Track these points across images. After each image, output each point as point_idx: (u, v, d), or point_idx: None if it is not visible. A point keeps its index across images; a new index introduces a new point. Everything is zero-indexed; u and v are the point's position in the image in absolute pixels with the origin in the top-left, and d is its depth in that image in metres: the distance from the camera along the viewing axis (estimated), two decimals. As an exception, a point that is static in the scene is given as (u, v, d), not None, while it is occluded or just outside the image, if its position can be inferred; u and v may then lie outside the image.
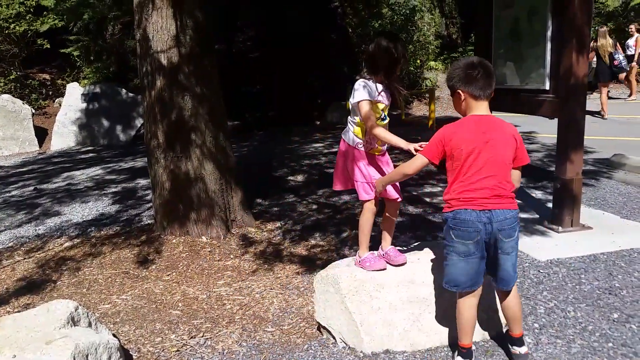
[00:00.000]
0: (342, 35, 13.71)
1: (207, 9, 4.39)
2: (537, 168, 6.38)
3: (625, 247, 3.73)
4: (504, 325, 2.63)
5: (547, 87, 4.28)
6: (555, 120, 4.17)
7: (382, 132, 2.59)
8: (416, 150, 2.38)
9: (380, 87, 2.66)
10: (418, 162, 2.35)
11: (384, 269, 2.70)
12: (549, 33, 4.22)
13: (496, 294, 2.53)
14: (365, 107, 2.59)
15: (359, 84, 2.63)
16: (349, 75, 13.54)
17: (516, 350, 2.42)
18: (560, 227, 4.08)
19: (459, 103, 2.35)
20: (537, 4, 4.37)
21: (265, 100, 12.25)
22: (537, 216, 4.47)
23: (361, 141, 2.71)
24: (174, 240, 4.20)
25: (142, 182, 6.51)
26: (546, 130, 7.96)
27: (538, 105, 4.36)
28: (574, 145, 4.01)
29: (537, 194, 5.21)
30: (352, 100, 2.64)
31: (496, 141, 2.22)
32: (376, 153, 2.76)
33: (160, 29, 4.09)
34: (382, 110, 2.71)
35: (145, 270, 3.81)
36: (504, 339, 2.54)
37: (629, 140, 7.88)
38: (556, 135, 4.17)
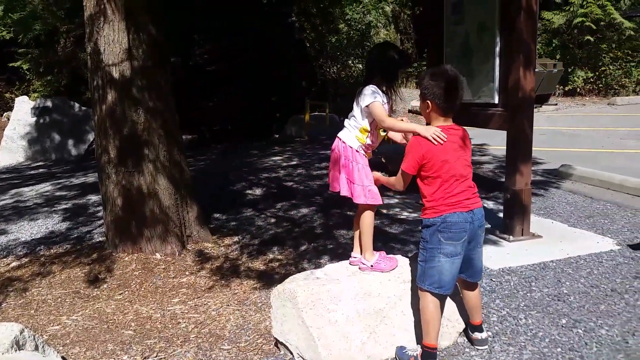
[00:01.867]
0: (300, 50, 13.81)
1: (162, 21, 4.34)
2: (488, 179, 6.57)
3: (572, 254, 3.87)
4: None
5: (496, 101, 4.43)
6: (505, 133, 4.32)
7: (395, 122, 2.68)
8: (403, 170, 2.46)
9: (385, 97, 2.74)
10: (407, 179, 2.48)
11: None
12: (497, 49, 4.38)
13: (461, 290, 2.66)
14: (379, 108, 2.66)
15: (369, 88, 2.70)
16: (307, 89, 13.65)
17: (477, 335, 2.61)
18: (511, 236, 4.20)
19: (425, 110, 2.45)
20: (486, 20, 4.53)
21: (223, 114, 12.16)
22: (489, 226, 4.58)
23: (362, 145, 2.77)
24: (127, 258, 4.09)
25: (94, 198, 6.32)
26: (497, 142, 8.20)
27: (488, 118, 4.50)
28: (522, 157, 4.15)
29: (489, 204, 5.35)
30: (362, 103, 2.70)
31: (462, 147, 2.40)
32: (368, 157, 2.84)
33: (112, 42, 4.01)
34: None
35: (96, 289, 3.68)
36: (457, 347, 2.60)
37: (576, 151, 8.23)
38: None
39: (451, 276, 2.40)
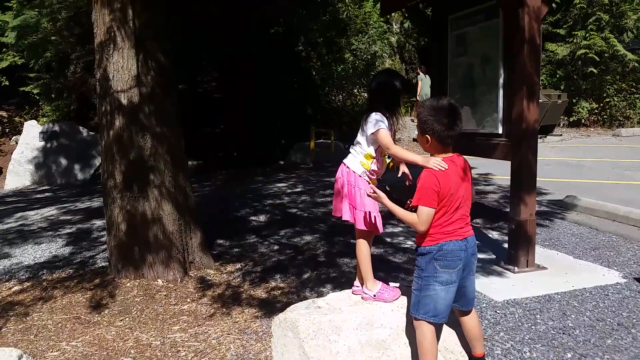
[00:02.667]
0: (305, 78, 13.99)
1: (170, 49, 4.42)
2: (493, 209, 6.55)
3: (578, 287, 3.83)
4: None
5: (500, 131, 4.46)
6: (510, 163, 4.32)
7: (400, 150, 2.73)
8: (412, 205, 2.37)
9: (390, 123, 2.78)
10: (431, 217, 2.32)
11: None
12: (501, 80, 4.43)
13: (460, 320, 2.60)
14: (386, 135, 2.70)
15: (375, 116, 2.73)
16: (313, 116, 13.77)
17: None
18: (516, 268, 4.16)
19: (425, 144, 2.45)
20: (489, 52, 4.60)
21: (229, 140, 12.26)
22: (494, 257, 4.55)
23: (366, 171, 2.80)
24: (128, 284, 4.07)
25: (98, 222, 6.33)
26: (502, 172, 8.21)
27: (492, 148, 4.52)
28: (527, 187, 4.15)
29: (494, 234, 5.32)
30: (368, 130, 2.73)
31: (464, 177, 2.40)
32: (373, 184, 2.84)
33: (121, 68, 4.08)
34: None
35: (97, 315, 3.66)
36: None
37: (581, 182, 8.21)
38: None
39: (446, 305, 2.38)
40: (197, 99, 12.10)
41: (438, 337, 2.47)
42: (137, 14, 4.06)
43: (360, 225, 2.77)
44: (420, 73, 15.96)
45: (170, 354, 3.07)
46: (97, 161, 10.67)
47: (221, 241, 5.33)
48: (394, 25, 19.28)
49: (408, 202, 2.45)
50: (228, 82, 12.24)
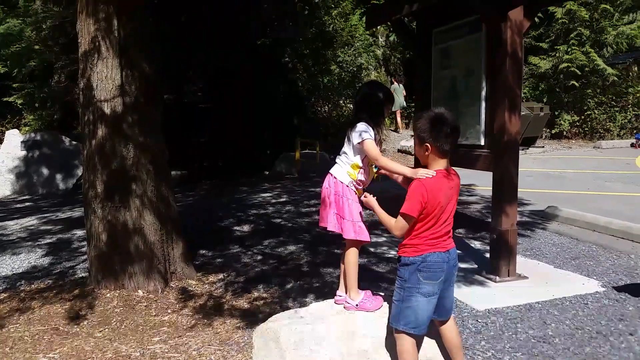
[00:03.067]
0: (291, 89, 14.03)
1: (155, 59, 4.42)
2: (475, 219, 6.60)
3: (558, 295, 3.87)
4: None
5: (483, 142, 4.51)
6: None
7: (388, 162, 2.74)
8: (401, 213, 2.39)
9: (374, 133, 2.80)
10: (408, 223, 2.37)
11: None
12: (483, 93, 4.49)
13: (440, 331, 2.60)
14: (373, 146, 2.72)
15: (361, 126, 2.75)
16: (298, 127, 13.80)
17: None
18: (497, 277, 4.20)
19: (424, 154, 2.45)
20: (473, 65, 4.67)
21: (214, 150, 12.22)
22: (476, 266, 4.58)
23: (353, 181, 2.81)
24: (108, 295, 4.02)
25: (79, 232, 6.25)
26: (485, 183, 8.29)
27: (475, 159, 4.57)
28: (508, 198, 4.19)
29: (476, 244, 5.36)
30: (355, 140, 2.75)
31: (454, 191, 2.43)
32: (359, 194, 2.86)
33: (105, 78, 4.06)
34: None
35: (76, 326, 3.60)
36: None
37: (562, 193, 8.32)
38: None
39: (427, 316, 2.39)
40: (182, 109, 12.06)
41: (419, 348, 2.47)
42: (122, 24, 4.05)
43: (349, 235, 2.78)
44: (395, 83, 16.25)
45: (150, 365, 3.03)
46: (80, 171, 10.55)
47: (204, 251, 5.29)
48: (380, 39, 19.46)
49: None
50: (214, 92, 12.24)
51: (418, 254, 2.36)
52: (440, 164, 2.41)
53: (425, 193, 2.32)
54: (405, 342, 2.38)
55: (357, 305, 2.80)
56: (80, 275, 4.62)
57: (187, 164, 11.37)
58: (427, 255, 2.35)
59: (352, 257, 2.83)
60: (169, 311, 3.80)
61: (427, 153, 2.42)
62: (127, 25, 4.07)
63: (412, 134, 9.00)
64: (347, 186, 2.80)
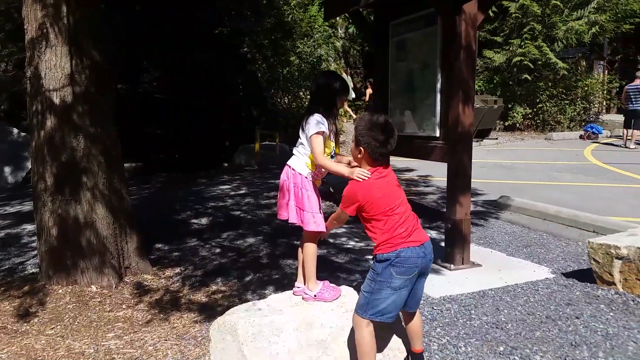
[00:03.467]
0: (251, 80, 13.87)
1: (107, 48, 4.28)
2: (432, 209, 6.73)
3: (510, 282, 4.00)
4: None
5: (438, 134, 4.59)
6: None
7: (328, 162, 2.74)
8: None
9: (329, 124, 2.79)
10: (345, 217, 2.61)
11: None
12: (438, 85, 4.56)
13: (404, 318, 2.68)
14: (319, 143, 2.72)
15: (314, 118, 2.74)
16: (258, 118, 13.67)
17: None
18: (452, 265, 4.30)
19: (357, 155, 2.51)
20: (428, 58, 4.73)
21: (171, 142, 11.96)
22: (433, 256, 4.68)
23: (311, 172, 2.80)
24: (60, 291, 3.89)
25: (29, 227, 6.02)
26: (441, 173, 8.45)
27: (430, 151, 4.65)
28: (462, 188, 4.29)
29: (432, 233, 5.47)
30: (308, 132, 2.74)
31: (394, 185, 2.49)
32: (317, 184, 2.87)
33: (54, 66, 3.91)
34: (333, 147, 2.86)
35: (26, 324, 3.47)
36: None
37: (514, 183, 8.59)
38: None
39: (395, 308, 2.42)
40: (137, 99, 11.73)
41: (379, 339, 2.50)
42: (72, 10, 3.90)
43: (309, 227, 2.77)
44: (343, 73, 16.41)
45: (104, 362, 2.96)
46: (30, 163, 10.13)
47: (160, 245, 5.19)
48: (339, 30, 19.49)
49: None
50: (170, 82, 11.96)
51: (392, 250, 2.38)
52: (372, 167, 2.47)
53: (357, 193, 2.41)
54: (364, 333, 2.40)
55: (315, 295, 2.81)
56: (31, 271, 4.45)
57: (142, 156, 11.09)
58: (401, 250, 2.37)
59: (310, 248, 2.84)
60: (124, 306, 3.72)
61: (359, 156, 2.49)
62: (77, 12, 3.92)
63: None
64: (306, 177, 2.80)
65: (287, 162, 2.88)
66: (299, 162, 2.82)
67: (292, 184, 2.81)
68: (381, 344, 2.69)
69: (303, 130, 2.81)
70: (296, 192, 2.80)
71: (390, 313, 2.41)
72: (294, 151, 2.88)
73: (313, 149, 2.73)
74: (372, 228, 2.45)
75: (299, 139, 2.87)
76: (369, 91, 15.34)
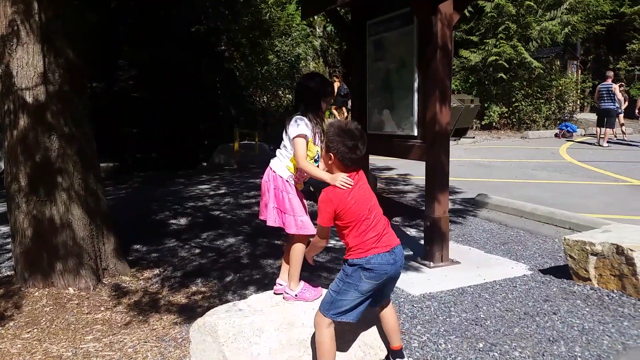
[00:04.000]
0: (229, 79, 13.80)
1: (82, 46, 4.20)
2: (411, 207, 6.79)
3: (489, 279, 4.05)
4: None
5: (416, 133, 4.62)
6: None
7: (309, 166, 2.69)
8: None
9: (312, 126, 2.75)
10: (326, 232, 2.52)
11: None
12: (415, 84, 4.59)
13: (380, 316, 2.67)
14: (301, 146, 2.68)
15: (297, 120, 2.71)
16: (236, 117, 13.61)
17: None
18: (431, 263, 4.34)
19: (328, 161, 2.51)
20: (405, 58, 4.76)
21: (148, 141, 11.83)
22: (411, 253, 4.72)
23: (292, 175, 2.77)
24: (37, 293, 3.81)
25: (4, 229, 5.88)
26: (419, 172, 8.51)
27: (408, 149, 4.68)
28: (440, 187, 4.33)
29: (412, 231, 5.51)
30: (290, 134, 2.70)
31: (364, 188, 2.48)
32: (299, 187, 2.85)
33: (26, 65, 3.82)
34: (317, 151, 2.82)
35: (0, 328, 3.39)
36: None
37: (492, 181, 8.71)
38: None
39: (359, 310, 2.43)
40: (113, 98, 11.57)
41: (357, 334, 2.51)
42: (44, 7, 3.82)
43: (291, 230, 2.75)
44: (336, 81, 16.39)
45: (81, 365, 2.91)
46: (2, 164, 9.91)
47: (138, 246, 5.12)
48: (317, 29, 19.50)
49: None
50: (147, 80, 11.82)
51: (363, 256, 2.39)
52: (343, 169, 2.48)
53: (331, 204, 2.40)
54: (324, 334, 2.41)
55: (296, 295, 2.80)
56: (6, 274, 4.35)
57: (118, 156, 10.95)
58: (371, 257, 2.38)
59: (298, 249, 2.80)
60: (102, 309, 3.66)
61: (330, 162, 2.49)
62: (49, 9, 3.84)
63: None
64: (287, 180, 2.78)
65: (270, 164, 2.86)
66: (280, 165, 2.80)
67: (272, 186, 2.79)
68: (360, 343, 2.71)
69: (286, 132, 2.79)
70: (277, 194, 2.78)
71: (351, 314, 2.42)
72: (277, 153, 2.86)
73: (295, 151, 2.70)
74: (345, 235, 2.46)
75: (283, 141, 2.85)
76: (336, 84, 15.36)
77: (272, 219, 2.79)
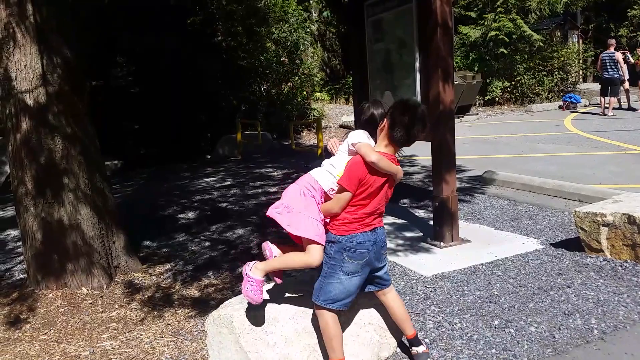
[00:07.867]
0: (228, 68, 13.70)
1: (79, 44, 4.17)
2: (418, 189, 6.76)
3: (500, 256, 4.04)
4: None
5: (420, 113, 4.57)
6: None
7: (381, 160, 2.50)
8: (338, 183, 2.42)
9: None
10: (346, 199, 2.39)
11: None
12: (417, 64, 4.54)
13: (385, 305, 2.65)
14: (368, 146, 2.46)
15: (364, 133, 2.54)
16: (237, 108, 13.55)
17: (414, 350, 2.61)
18: (442, 243, 4.33)
19: (380, 130, 2.46)
20: (405, 37, 4.69)
21: (150, 136, 11.81)
22: (422, 234, 4.70)
23: (330, 189, 2.53)
24: (51, 295, 3.84)
25: (13, 233, 5.91)
26: (425, 153, 8.46)
27: (413, 130, 4.63)
28: (446, 166, 4.30)
29: (420, 213, 5.49)
30: (358, 139, 2.47)
31: (392, 178, 2.47)
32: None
33: (25, 67, 3.81)
34: None
35: (18, 331, 3.42)
36: (397, 357, 2.61)
37: (498, 157, 8.65)
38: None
39: (347, 294, 2.41)
40: (112, 95, 11.53)
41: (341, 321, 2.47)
42: (38, 8, 3.79)
43: (309, 233, 2.42)
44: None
45: (100, 364, 2.93)
46: (8, 168, 9.93)
47: (148, 242, 5.14)
48: (313, 14, 19.31)
49: None
50: (146, 75, 11.77)
51: (346, 233, 2.38)
52: (388, 149, 2.43)
53: (363, 170, 2.34)
54: (326, 318, 2.41)
55: (246, 274, 2.53)
56: (19, 277, 4.38)
57: (121, 153, 10.95)
58: (353, 235, 2.38)
59: (297, 258, 2.51)
60: (117, 306, 3.68)
61: (382, 129, 2.44)
62: (43, 9, 3.81)
63: (353, 109, 9.00)
64: (327, 193, 2.52)
65: (311, 172, 2.61)
66: (328, 176, 2.54)
67: (308, 194, 2.51)
68: (376, 327, 2.70)
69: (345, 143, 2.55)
70: (310, 201, 2.49)
71: (341, 300, 2.40)
72: (325, 164, 2.62)
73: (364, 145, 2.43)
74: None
75: (334, 157, 2.62)
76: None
77: (302, 228, 2.44)
